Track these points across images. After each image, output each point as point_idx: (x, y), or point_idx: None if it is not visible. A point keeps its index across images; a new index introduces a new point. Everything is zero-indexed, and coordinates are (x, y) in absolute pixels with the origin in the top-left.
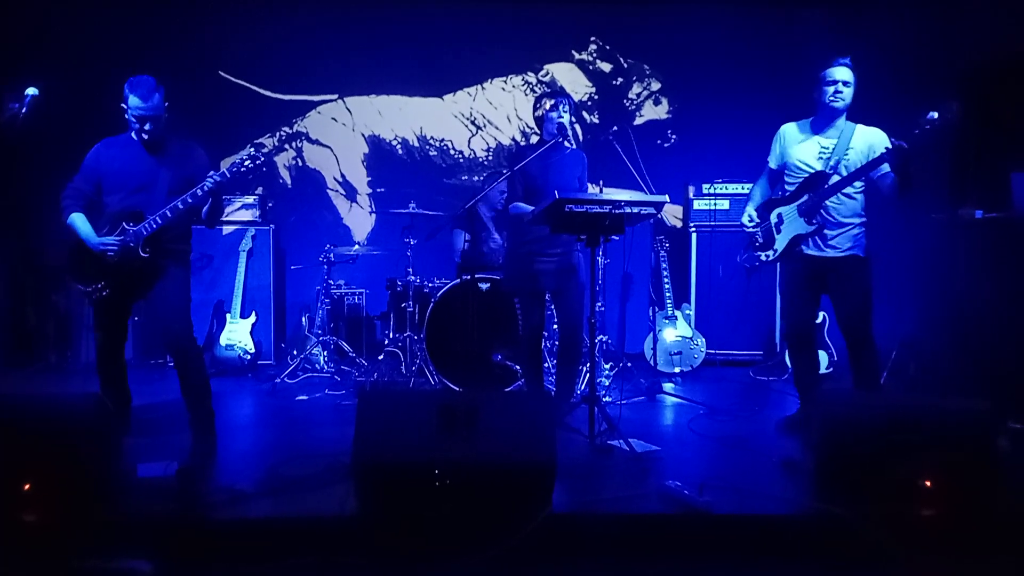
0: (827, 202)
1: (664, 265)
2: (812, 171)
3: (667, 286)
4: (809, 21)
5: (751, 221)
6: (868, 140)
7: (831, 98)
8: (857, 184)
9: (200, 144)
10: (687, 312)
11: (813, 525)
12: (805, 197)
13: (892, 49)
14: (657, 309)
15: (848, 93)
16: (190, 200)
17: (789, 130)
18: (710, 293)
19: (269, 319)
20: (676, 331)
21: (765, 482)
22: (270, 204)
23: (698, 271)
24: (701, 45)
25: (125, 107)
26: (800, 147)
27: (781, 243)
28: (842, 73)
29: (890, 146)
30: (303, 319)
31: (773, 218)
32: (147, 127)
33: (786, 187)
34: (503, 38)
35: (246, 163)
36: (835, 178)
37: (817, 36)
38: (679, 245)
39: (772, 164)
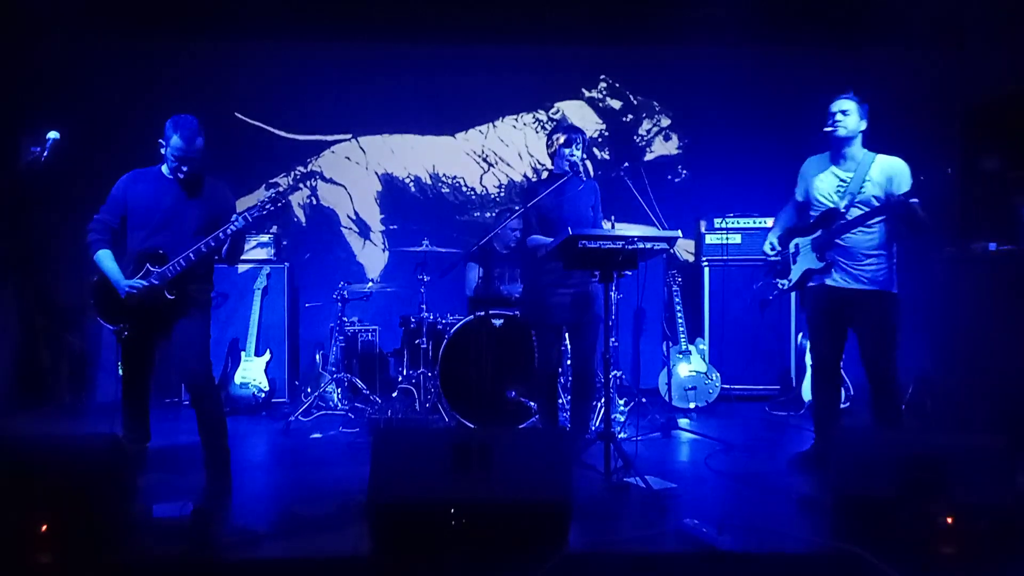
0: (849, 236)
1: (677, 300)
2: (828, 206)
3: (680, 321)
4: (815, 60)
5: (772, 249)
6: (887, 172)
7: (829, 127)
8: (876, 219)
9: (225, 183)
10: (701, 347)
11: (833, 564)
12: (819, 232)
13: (899, 87)
14: (671, 344)
15: (849, 121)
16: (213, 243)
17: (810, 162)
18: (724, 327)
19: (283, 357)
20: (690, 366)
21: (784, 520)
22: (285, 242)
23: (711, 305)
24: (709, 82)
25: (164, 144)
26: (819, 179)
27: (795, 274)
28: (839, 104)
29: (897, 196)
30: (317, 356)
31: (792, 247)
32: (185, 168)
33: (810, 219)
34: (514, 77)
35: (267, 206)
36: (854, 212)
37: (824, 73)
38: (692, 280)
39: (798, 196)
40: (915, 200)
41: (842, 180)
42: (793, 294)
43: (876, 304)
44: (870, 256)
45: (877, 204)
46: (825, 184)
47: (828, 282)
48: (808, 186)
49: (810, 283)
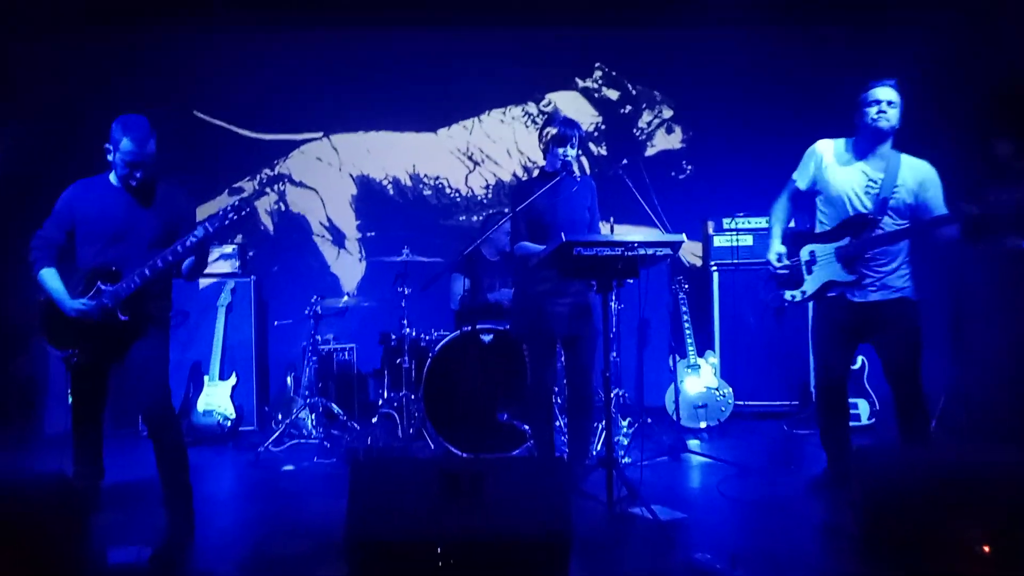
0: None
1: (684, 309)
2: (858, 210)
3: (688, 331)
4: (832, 39)
5: (779, 261)
6: (918, 176)
7: (874, 117)
8: (901, 220)
9: (183, 188)
10: (711, 360)
11: None
12: (846, 241)
13: (924, 68)
14: (678, 357)
15: (894, 114)
16: (171, 258)
17: (827, 149)
18: (736, 338)
19: (251, 380)
20: (700, 381)
21: (804, 550)
22: (251, 253)
23: (722, 314)
24: (715, 68)
25: (111, 149)
26: (842, 173)
27: (811, 285)
28: (886, 93)
29: (960, 210)
30: (288, 379)
31: (804, 255)
32: (137, 174)
33: (819, 217)
34: (501, 66)
35: (231, 215)
36: (888, 222)
37: (841, 55)
38: (700, 286)
39: (801, 184)
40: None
41: (872, 180)
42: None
43: (902, 313)
44: (897, 264)
45: (906, 211)
46: (850, 181)
47: (851, 296)
48: (821, 175)
49: (830, 293)
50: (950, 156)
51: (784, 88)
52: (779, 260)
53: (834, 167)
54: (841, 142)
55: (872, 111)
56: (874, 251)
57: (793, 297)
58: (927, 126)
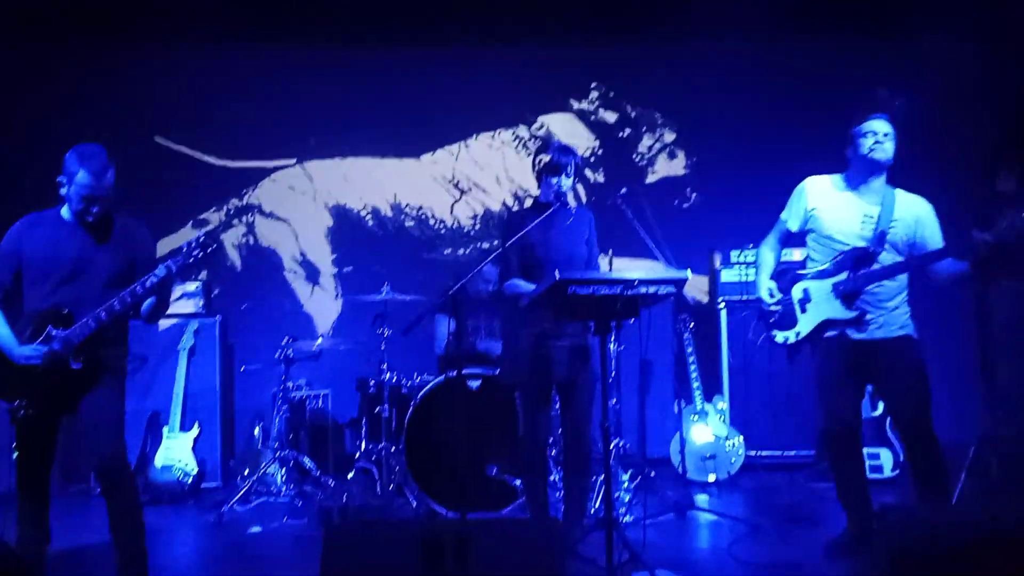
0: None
1: (689, 349)
2: (855, 245)
3: (694, 375)
4: (849, 56)
5: (771, 297)
6: (914, 211)
7: (871, 147)
8: (898, 256)
9: (141, 221)
10: (720, 406)
11: None
12: (844, 275)
13: (944, 86)
14: (683, 403)
15: (890, 147)
16: (129, 299)
17: (818, 185)
18: (747, 381)
19: (215, 431)
20: (708, 430)
21: None
22: (216, 291)
23: (731, 355)
24: (722, 88)
25: (65, 181)
26: (836, 210)
27: (806, 325)
28: (881, 125)
29: (973, 240)
30: (256, 430)
31: (797, 293)
32: (94, 208)
33: (811, 255)
34: (489, 86)
35: (195, 251)
36: (886, 257)
37: (860, 72)
38: (706, 324)
39: (792, 225)
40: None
41: (867, 215)
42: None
43: (905, 352)
44: (898, 301)
45: (903, 247)
46: (846, 216)
47: (850, 332)
48: (813, 214)
49: (828, 333)
50: (956, 185)
51: (797, 110)
52: (771, 296)
53: (827, 204)
54: (834, 177)
55: (867, 142)
56: (874, 287)
57: (786, 339)
58: (933, 153)
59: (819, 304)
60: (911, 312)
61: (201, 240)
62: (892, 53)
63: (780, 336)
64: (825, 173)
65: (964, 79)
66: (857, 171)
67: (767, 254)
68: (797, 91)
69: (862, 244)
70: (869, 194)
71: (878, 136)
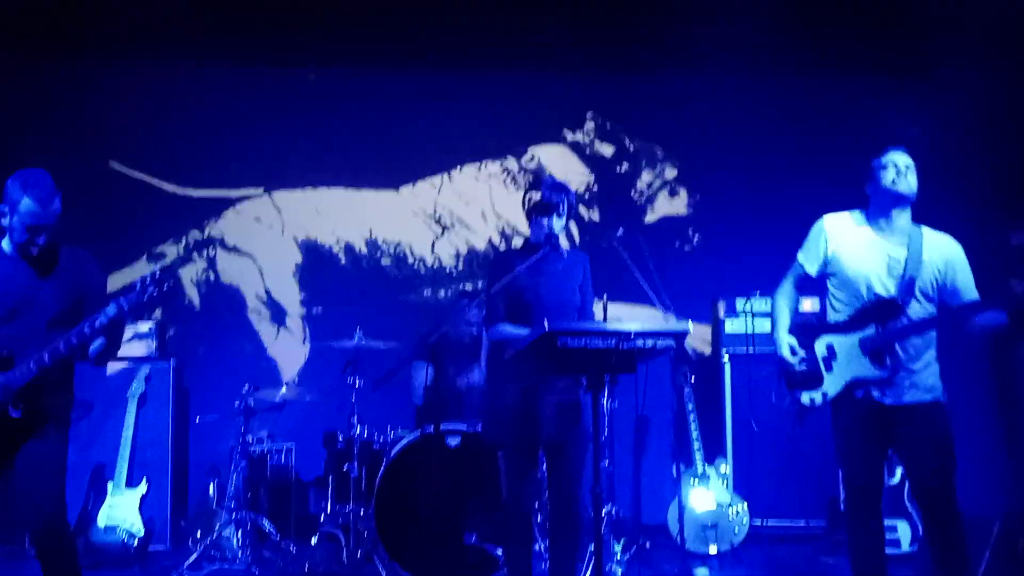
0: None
1: (690, 406)
2: (880, 294)
3: (695, 434)
4: (866, 91)
5: (793, 354)
6: (944, 253)
7: (893, 180)
8: (929, 305)
9: (90, 254)
10: (723, 469)
11: None
12: (871, 329)
13: (961, 125)
14: (683, 465)
15: (913, 180)
16: (75, 340)
17: (838, 223)
18: (752, 442)
19: (165, 488)
20: (709, 495)
21: None
22: (171, 332)
23: (735, 413)
24: (727, 121)
25: (6, 211)
26: (859, 251)
27: (833, 385)
28: (900, 157)
29: (1010, 291)
30: (211, 487)
31: (820, 349)
32: (39, 239)
33: (831, 303)
34: (476, 113)
35: (150, 289)
36: (916, 307)
37: (877, 107)
38: (709, 378)
39: (810, 268)
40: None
41: (894, 258)
42: None
43: (933, 419)
44: (929, 359)
45: (934, 295)
46: (869, 259)
47: (875, 394)
48: (833, 255)
49: (855, 393)
50: (971, 233)
51: (808, 148)
52: (794, 354)
53: (848, 244)
54: (855, 214)
55: (889, 174)
56: (904, 343)
57: (812, 400)
58: (946, 199)
59: (846, 361)
60: (939, 369)
61: (156, 276)
62: (908, 89)
63: (806, 397)
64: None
65: (981, 118)
66: (879, 207)
67: (783, 303)
68: (809, 128)
69: (889, 291)
70: (894, 233)
71: (899, 167)
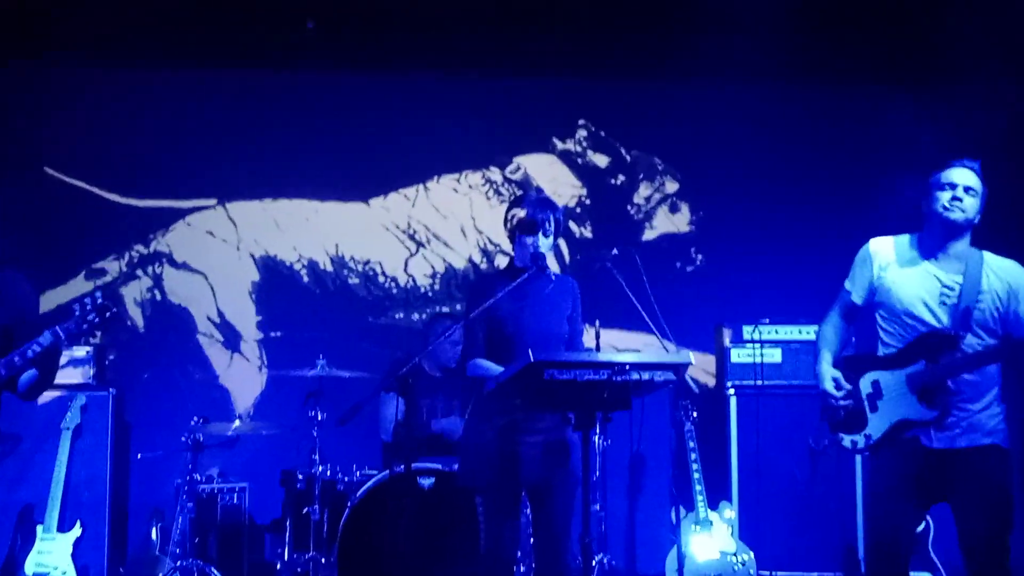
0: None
1: (691, 444)
2: (932, 325)
3: (697, 475)
4: (888, 100)
5: (838, 389)
6: (1008, 280)
7: (945, 205)
8: (988, 339)
9: (22, 273)
10: (727, 514)
11: None
12: (921, 365)
13: (989, 140)
14: (683, 510)
15: (971, 205)
16: (3, 372)
17: (886, 248)
18: (760, 485)
19: (102, 532)
20: (712, 543)
21: None
22: (111, 358)
23: (741, 452)
24: (734, 131)
25: None
26: (908, 279)
27: (879, 426)
28: (963, 176)
29: None
30: (153, 532)
31: (866, 386)
32: None
33: (881, 336)
34: (455, 119)
35: (91, 317)
36: (973, 341)
37: (904, 122)
38: (712, 414)
39: (856, 296)
40: None
41: (947, 287)
42: None
43: (989, 463)
44: (989, 399)
45: (995, 326)
46: (920, 288)
47: (928, 440)
48: (881, 283)
49: (902, 436)
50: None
51: (824, 162)
52: (838, 388)
53: (897, 271)
54: (904, 239)
55: (944, 197)
56: (958, 381)
57: (855, 443)
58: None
59: (892, 401)
60: (1003, 411)
61: (99, 301)
62: (935, 100)
63: (847, 440)
64: (860, 236)
65: (1012, 132)
66: (932, 232)
67: (830, 333)
68: (825, 140)
69: (941, 322)
70: (948, 258)
71: (957, 190)
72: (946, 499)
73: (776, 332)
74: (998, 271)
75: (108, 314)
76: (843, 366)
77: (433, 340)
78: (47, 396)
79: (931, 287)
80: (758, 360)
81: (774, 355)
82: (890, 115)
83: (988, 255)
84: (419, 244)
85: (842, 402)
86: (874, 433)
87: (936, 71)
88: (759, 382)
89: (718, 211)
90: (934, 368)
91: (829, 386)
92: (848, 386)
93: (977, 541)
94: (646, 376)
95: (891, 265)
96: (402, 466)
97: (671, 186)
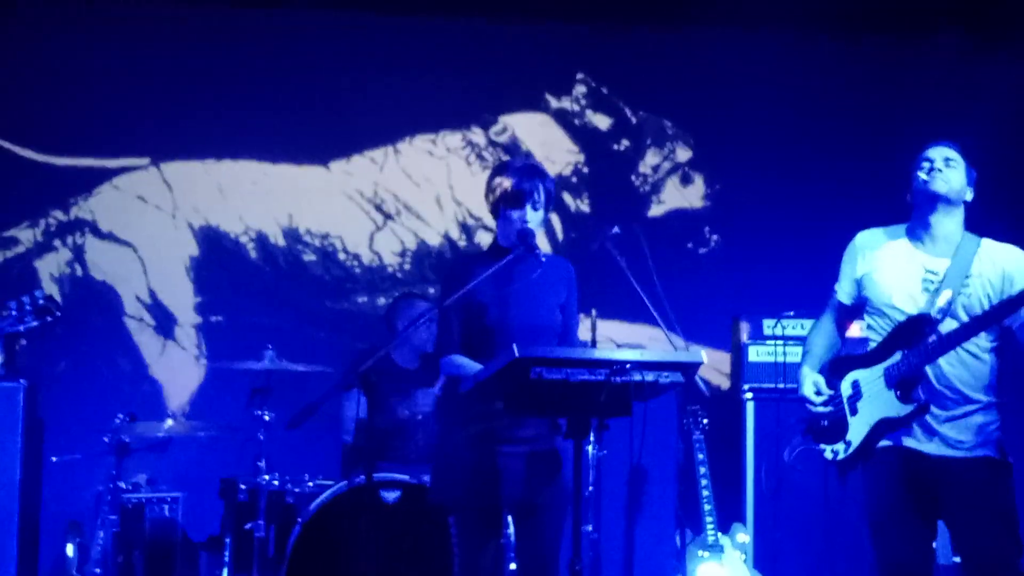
0: (940, 365)
1: (701, 457)
2: (907, 311)
3: (706, 493)
4: (930, 59)
5: (818, 394)
6: (1002, 264)
7: (924, 179)
8: (985, 339)
9: None
10: (740, 538)
11: None
12: (898, 356)
13: None
14: (690, 533)
15: (955, 176)
16: None
17: (871, 239)
18: (779, 505)
19: (11, 548)
20: (723, 571)
21: None
22: (22, 343)
23: (758, 466)
24: (759, 89)
25: None
26: (891, 268)
27: (859, 430)
28: (938, 151)
29: None
30: (70, 547)
31: (846, 388)
32: None
33: (868, 336)
34: (432, 71)
35: (28, 319)
36: (949, 324)
37: (943, 82)
38: (726, 422)
39: (843, 296)
40: None
41: (931, 271)
42: None
43: (983, 480)
44: (976, 400)
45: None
46: (901, 274)
47: (910, 443)
48: (866, 277)
49: (883, 442)
50: None
51: (860, 129)
52: (816, 392)
53: (881, 262)
54: (895, 228)
55: (921, 173)
56: (941, 375)
57: (835, 453)
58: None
59: (871, 400)
60: (998, 419)
61: (40, 303)
62: (993, 50)
63: (828, 451)
64: (905, 217)
65: None
66: (918, 214)
67: (816, 338)
68: (865, 101)
69: (919, 308)
70: (936, 242)
71: (935, 163)
72: (942, 517)
73: (802, 327)
74: (993, 255)
75: (50, 318)
76: (828, 370)
77: (404, 325)
78: None
79: (914, 273)
80: (780, 359)
81: (798, 354)
82: (944, 70)
83: (987, 241)
84: (387, 216)
85: (819, 408)
86: (855, 438)
87: (998, 17)
88: (781, 385)
89: (738, 184)
90: (910, 356)
91: (808, 390)
92: (829, 391)
93: (978, 566)
94: (650, 377)
95: (876, 256)
96: (363, 476)
97: (683, 154)
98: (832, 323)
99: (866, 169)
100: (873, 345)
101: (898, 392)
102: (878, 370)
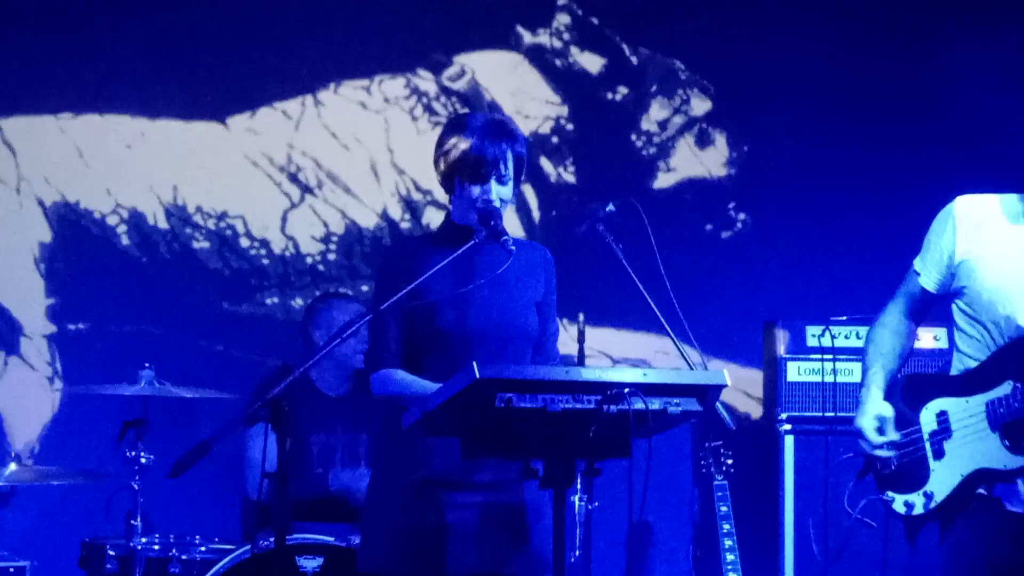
0: None
1: (724, 509)
2: None
3: (731, 558)
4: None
5: (880, 434)
6: None
7: None
8: None
9: None
10: None
11: None
12: (1008, 387)
13: None
14: None
15: None
16: None
17: (977, 209)
18: (828, 569)
19: None
20: None
21: None
22: None
23: (799, 520)
24: (797, 22)
25: None
26: (1005, 255)
27: (944, 483)
28: None
29: None
30: None
31: (929, 420)
32: None
33: (959, 340)
34: None
35: None
36: None
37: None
38: (756, 461)
39: (927, 281)
40: None
41: None
42: None
43: None
44: None
45: None
46: (1020, 266)
47: (1016, 508)
48: (966, 263)
49: (978, 492)
50: None
51: (936, 75)
52: (880, 432)
53: (992, 242)
54: (1012, 198)
55: None
56: None
57: (909, 507)
58: None
59: (965, 442)
60: None
61: None
62: None
63: (900, 502)
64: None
65: None
66: None
67: (885, 338)
68: (937, 44)
69: None
70: None
71: None
72: None
73: (857, 336)
74: None
75: None
76: (901, 391)
77: (327, 336)
78: None
79: None
80: (828, 379)
81: (852, 371)
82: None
83: None
84: (305, 189)
85: (881, 450)
86: (938, 491)
87: None
88: (830, 414)
89: (772, 146)
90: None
91: (868, 425)
92: (895, 435)
93: None
94: (656, 405)
95: (985, 235)
96: (272, 539)
97: (700, 105)
98: (905, 317)
99: (937, 131)
100: (965, 362)
101: (1006, 439)
102: (977, 402)
